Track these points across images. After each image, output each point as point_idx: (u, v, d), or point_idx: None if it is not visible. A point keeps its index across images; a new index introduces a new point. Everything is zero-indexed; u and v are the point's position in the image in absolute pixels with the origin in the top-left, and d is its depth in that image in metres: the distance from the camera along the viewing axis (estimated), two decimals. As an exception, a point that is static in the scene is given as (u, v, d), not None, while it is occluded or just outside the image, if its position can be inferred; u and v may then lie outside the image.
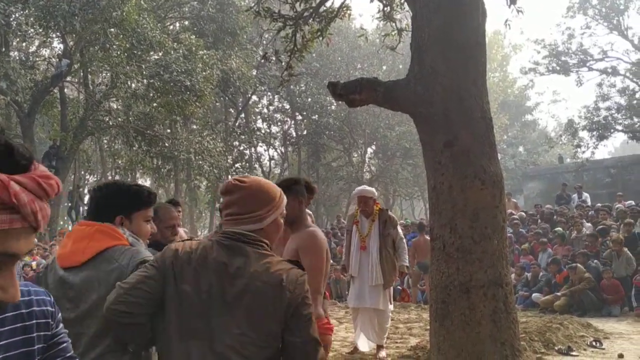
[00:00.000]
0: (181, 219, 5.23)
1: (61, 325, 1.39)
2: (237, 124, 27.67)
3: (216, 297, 1.79)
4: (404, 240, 6.92)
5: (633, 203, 13.07)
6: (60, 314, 1.40)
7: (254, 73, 24.60)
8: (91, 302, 2.02)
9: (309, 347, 1.80)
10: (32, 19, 15.27)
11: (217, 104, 27.29)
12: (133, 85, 18.27)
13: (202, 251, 1.84)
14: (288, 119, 31.80)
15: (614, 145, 58.71)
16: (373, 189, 7.00)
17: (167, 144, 19.43)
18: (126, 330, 1.86)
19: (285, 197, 2.00)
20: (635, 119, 24.91)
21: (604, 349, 6.70)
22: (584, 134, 24.69)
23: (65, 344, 1.38)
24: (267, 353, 1.78)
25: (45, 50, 23.73)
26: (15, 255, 0.99)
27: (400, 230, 6.85)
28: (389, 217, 6.49)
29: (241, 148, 27.41)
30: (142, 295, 1.80)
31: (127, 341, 1.95)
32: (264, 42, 24.70)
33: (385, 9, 8.74)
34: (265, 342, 1.78)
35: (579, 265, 9.69)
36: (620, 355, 6.28)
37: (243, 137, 26.87)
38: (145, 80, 17.56)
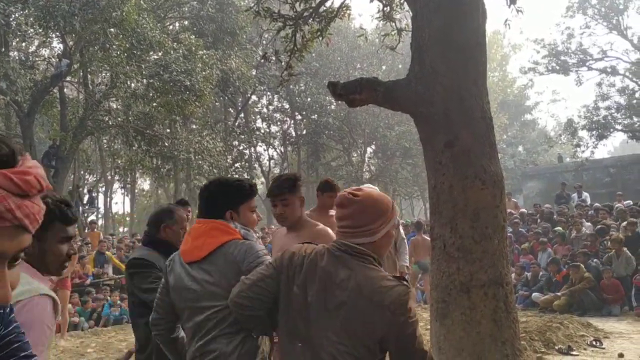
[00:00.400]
0: (191, 219, 5.21)
1: (14, 324, 1.33)
2: (236, 123, 27.65)
3: (319, 303, 1.89)
4: (406, 241, 6.92)
5: (631, 203, 13.07)
6: (13, 315, 1.34)
7: (254, 73, 24.60)
8: (210, 294, 2.24)
9: (415, 359, 1.87)
10: (31, 19, 15.24)
11: (217, 103, 27.28)
12: (133, 85, 18.24)
13: (314, 258, 1.96)
14: (287, 119, 31.80)
15: (614, 145, 58.84)
16: (376, 187, 7.00)
17: (166, 144, 19.41)
18: (248, 321, 2.12)
19: (397, 209, 2.05)
20: (635, 119, 24.93)
21: (604, 348, 6.71)
22: (583, 134, 24.74)
23: (19, 343, 1.32)
24: None
25: (45, 50, 23.72)
26: (0, 255, 0.97)
27: (402, 231, 6.85)
28: None
29: (241, 148, 27.40)
30: (260, 292, 2.01)
31: (250, 329, 2.19)
32: (264, 42, 24.71)
33: (385, 8, 8.74)
34: (361, 353, 1.84)
35: (580, 264, 9.70)
36: (621, 355, 6.29)
37: (242, 136, 26.86)
38: (144, 80, 17.54)
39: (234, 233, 2.33)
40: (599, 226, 11.34)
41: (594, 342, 6.91)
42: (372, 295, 1.82)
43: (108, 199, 36.76)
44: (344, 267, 1.88)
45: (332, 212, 4.53)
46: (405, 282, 1.89)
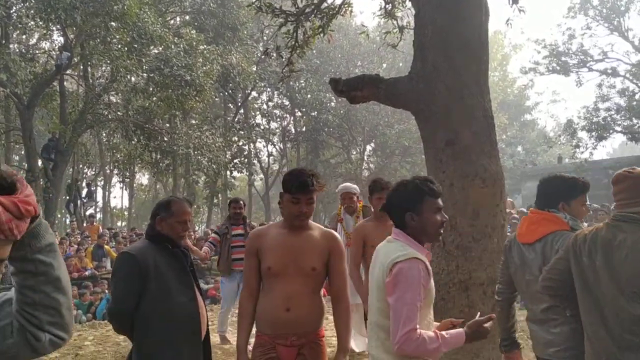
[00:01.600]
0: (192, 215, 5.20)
1: None
2: (236, 119, 27.63)
3: (605, 265, 2.22)
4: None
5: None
6: None
7: (254, 69, 24.57)
8: (537, 273, 2.68)
9: None
10: (32, 11, 15.22)
11: (217, 99, 27.25)
12: (133, 79, 18.23)
13: (595, 232, 2.32)
14: (287, 115, 31.78)
15: (613, 146, 58.99)
16: (356, 186, 7.00)
17: (166, 139, 19.40)
18: (557, 302, 2.59)
19: None
20: (635, 120, 24.95)
21: (600, 348, 6.71)
22: (583, 135, 24.77)
23: None
24: None
25: (46, 43, 23.68)
26: None
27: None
28: None
29: (240, 144, 27.36)
30: (557, 273, 2.46)
31: (564, 307, 2.58)
32: (265, 37, 24.69)
33: (387, 6, 8.73)
34: None
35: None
36: (617, 355, 6.29)
37: (242, 132, 26.83)
38: (145, 75, 17.53)
39: (562, 224, 2.71)
40: (596, 227, 11.35)
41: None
42: None
43: (106, 193, 36.76)
44: (620, 231, 2.22)
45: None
46: None
